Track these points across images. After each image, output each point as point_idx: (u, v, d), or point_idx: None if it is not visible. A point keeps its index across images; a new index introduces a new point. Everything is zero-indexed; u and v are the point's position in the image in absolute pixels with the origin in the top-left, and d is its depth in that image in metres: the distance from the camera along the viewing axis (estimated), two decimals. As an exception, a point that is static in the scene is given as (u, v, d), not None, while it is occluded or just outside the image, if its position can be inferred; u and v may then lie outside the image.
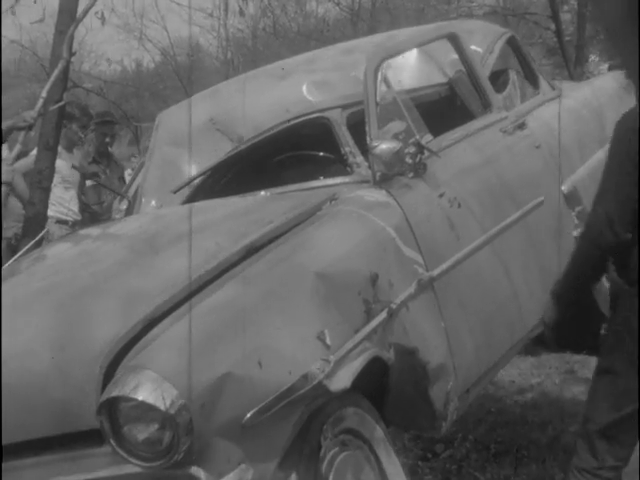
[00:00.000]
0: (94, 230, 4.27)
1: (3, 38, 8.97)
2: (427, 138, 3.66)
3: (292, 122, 4.01)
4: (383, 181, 3.42)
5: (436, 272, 3.30)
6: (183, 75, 29.56)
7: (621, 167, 2.84)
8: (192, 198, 4.11)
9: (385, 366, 3.01)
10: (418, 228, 3.33)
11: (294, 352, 2.63)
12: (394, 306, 3.04)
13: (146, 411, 2.41)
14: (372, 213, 3.25)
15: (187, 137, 4.32)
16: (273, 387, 2.53)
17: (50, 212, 5.64)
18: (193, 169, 4.26)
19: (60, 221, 6.32)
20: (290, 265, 2.89)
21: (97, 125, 7.09)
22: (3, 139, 4.74)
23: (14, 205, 6.98)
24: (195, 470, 2.44)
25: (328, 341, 2.71)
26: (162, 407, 2.37)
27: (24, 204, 5.77)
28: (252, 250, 3.00)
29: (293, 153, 4.15)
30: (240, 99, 4.25)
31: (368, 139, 3.46)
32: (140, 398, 2.39)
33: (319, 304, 2.79)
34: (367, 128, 3.50)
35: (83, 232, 4.18)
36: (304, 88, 4.14)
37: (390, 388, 3.09)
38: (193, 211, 3.50)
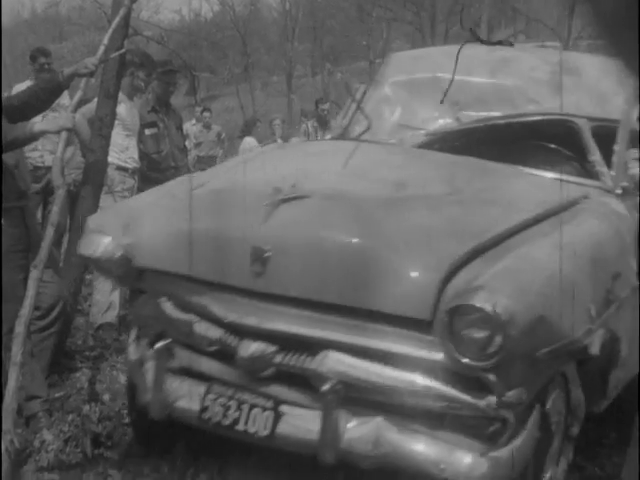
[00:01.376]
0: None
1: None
2: None
3: (543, 117, 4.68)
4: (623, 195, 4.11)
5: None
6: (241, 25, 29.48)
7: None
8: (423, 145, 4.71)
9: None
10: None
11: (576, 314, 3.23)
12: (620, 302, 3.66)
13: (483, 319, 2.94)
14: (619, 220, 3.91)
15: (408, 83, 5.09)
16: (562, 336, 3.13)
17: (110, 158, 5.69)
18: (410, 114, 4.96)
19: (120, 168, 6.36)
20: (573, 246, 3.40)
21: (161, 74, 7.08)
22: (66, 85, 4.76)
23: (73, 152, 7.05)
24: (492, 377, 3.00)
25: (593, 314, 3.33)
26: (497, 316, 2.91)
27: (86, 150, 5.82)
28: (529, 224, 3.56)
29: (544, 143, 4.73)
30: (466, 66, 4.94)
31: (617, 158, 4.26)
32: (481, 306, 2.94)
33: (590, 284, 3.41)
34: (618, 148, 4.30)
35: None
36: (521, 81, 4.89)
37: (586, 363, 3.55)
38: (467, 167, 4.16)
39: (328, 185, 3.64)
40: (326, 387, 3.18)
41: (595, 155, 4.32)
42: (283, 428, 3.30)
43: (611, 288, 3.59)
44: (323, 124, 10.83)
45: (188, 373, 3.61)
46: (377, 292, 3.14)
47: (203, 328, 3.53)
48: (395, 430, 3.17)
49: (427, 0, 28.01)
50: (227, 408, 3.42)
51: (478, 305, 2.93)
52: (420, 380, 3.11)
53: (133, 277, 3.81)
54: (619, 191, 4.12)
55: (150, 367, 3.67)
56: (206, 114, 13.59)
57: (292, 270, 3.31)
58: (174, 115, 7.40)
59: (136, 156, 6.57)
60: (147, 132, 6.92)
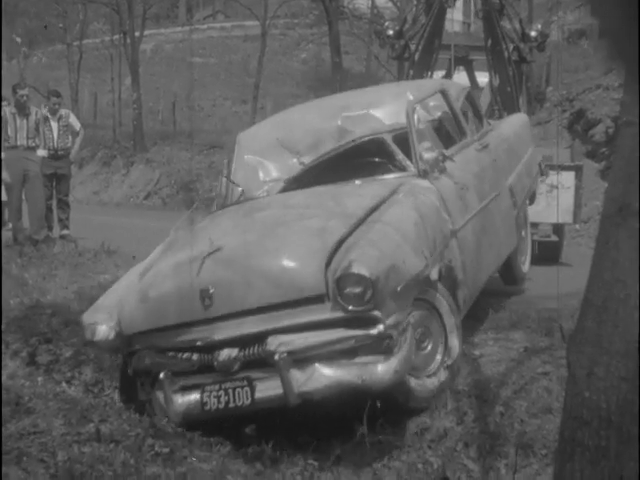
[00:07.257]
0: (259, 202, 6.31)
1: None
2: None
3: (358, 140, 6.40)
4: (424, 175, 5.91)
5: (457, 226, 5.86)
6: None
7: None
8: (286, 189, 6.36)
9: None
10: (447, 202, 5.84)
11: (414, 258, 5.09)
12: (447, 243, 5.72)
13: (357, 280, 4.70)
14: (425, 191, 5.76)
15: (261, 149, 6.74)
16: (409, 275, 4.98)
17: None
18: (268, 172, 6.60)
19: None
20: (403, 215, 5.42)
21: None
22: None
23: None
24: (376, 313, 4.81)
25: (427, 255, 5.22)
26: (368, 276, 4.69)
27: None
28: (373, 210, 5.38)
29: (366, 159, 6.38)
30: (297, 125, 6.84)
31: (413, 152, 6.01)
32: (356, 272, 4.71)
33: (421, 237, 5.30)
34: (412, 144, 6.02)
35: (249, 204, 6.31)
36: (339, 121, 6.64)
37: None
38: (318, 193, 5.94)
39: (233, 234, 5.36)
40: (275, 358, 4.81)
41: (399, 156, 6.17)
42: (258, 395, 4.91)
43: (436, 235, 5.47)
44: (22, 109, 10.50)
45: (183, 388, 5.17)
46: (286, 287, 4.84)
47: (185, 356, 5.15)
48: (328, 368, 4.81)
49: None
50: (219, 397, 5.00)
51: (355, 272, 4.69)
52: (331, 333, 4.81)
53: (125, 344, 5.36)
54: (420, 173, 5.91)
55: (159, 394, 5.21)
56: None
57: (228, 293, 4.94)
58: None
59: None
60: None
